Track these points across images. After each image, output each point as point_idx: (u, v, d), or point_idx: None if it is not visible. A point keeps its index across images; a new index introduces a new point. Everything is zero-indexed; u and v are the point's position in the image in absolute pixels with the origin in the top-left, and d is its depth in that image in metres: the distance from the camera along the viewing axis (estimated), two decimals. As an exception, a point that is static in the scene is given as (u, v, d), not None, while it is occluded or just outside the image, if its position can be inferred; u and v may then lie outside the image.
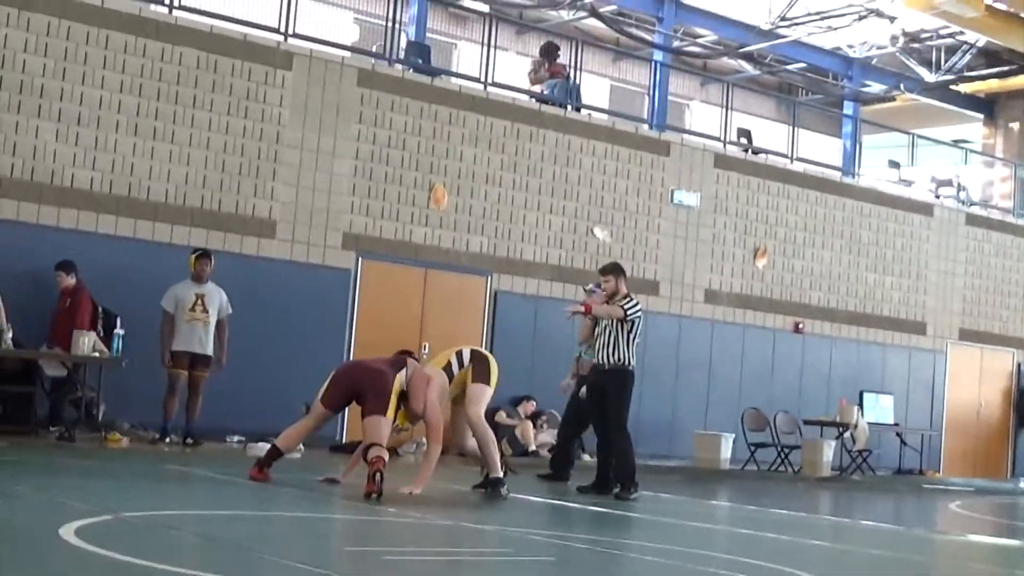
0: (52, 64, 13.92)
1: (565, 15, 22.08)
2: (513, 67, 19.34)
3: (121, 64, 14.31)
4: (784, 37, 22.78)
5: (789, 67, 24.82)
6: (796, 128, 21.31)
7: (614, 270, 11.76)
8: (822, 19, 22.22)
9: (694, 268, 18.93)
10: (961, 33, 22.78)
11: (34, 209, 13.72)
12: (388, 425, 9.44)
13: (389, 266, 16.06)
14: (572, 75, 18.49)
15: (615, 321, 11.35)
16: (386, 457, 9.15)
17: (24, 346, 12.88)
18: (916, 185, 23.00)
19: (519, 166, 17.22)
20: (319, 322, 15.29)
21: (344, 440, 14.76)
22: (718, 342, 19.08)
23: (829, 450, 18.00)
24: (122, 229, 14.21)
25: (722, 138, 19.97)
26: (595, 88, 21.09)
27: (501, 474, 10.25)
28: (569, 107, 18.21)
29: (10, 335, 12.56)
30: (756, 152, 20.64)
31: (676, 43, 23.22)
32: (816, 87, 25.96)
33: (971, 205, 23.56)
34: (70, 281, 13.17)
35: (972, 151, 26.14)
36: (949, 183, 23.40)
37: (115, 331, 12.86)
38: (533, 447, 16.20)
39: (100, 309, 13.34)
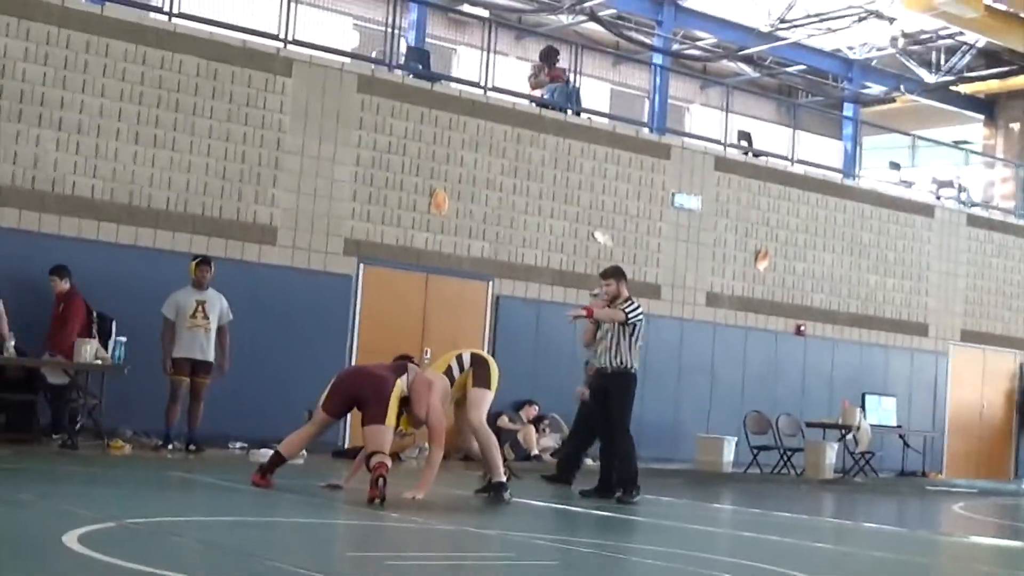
0: (52, 73, 13.94)
1: (564, 19, 22.10)
2: (513, 72, 19.35)
3: (121, 72, 14.33)
4: (784, 39, 22.80)
5: (789, 69, 24.84)
6: (796, 130, 21.31)
7: (615, 273, 11.76)
8: (821, 21, 22.24)
9: (695, 271, 18.93)
10: (961, 34, 22.80)
11: (35, 217, 13.73)
12: (389, 432, 9.43)
13: (390, 271, 16.06)
14: (572, 79, 18.50)
15: (617, 325, 11.35)
16: (389, 463, 9.15)
17: (26, 354, 12.89)
18: (917, 186, 23.02)
19: (520, 170, 17.23)
20: (321, 328, 15.30)
21: (346, 446, 14.76)
22: (720, 345, 19.08)
23: (832, 452, 18.00)
24: (123, 237, 14.22)
25: (722, 141, 19.98)
26: (595, 92, 21.10)
27: (504, 478, 10.25)
28: (569, 111, 18.22)
29: (12, 343, 12.58)
30: (756, 154, 20.65)
31: (676, 46, 23.24)
32: (816, 89, 25.97)
33: (972, 206, 23.57)
34: (64, 286, 13.17)
35: (973, 152, 26.17)
36: (950, 184, 23.43)
37: (117, 338, 12.89)
38: (535, 451, 16.20)
39: (95, 314, 13.32)
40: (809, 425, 18.46)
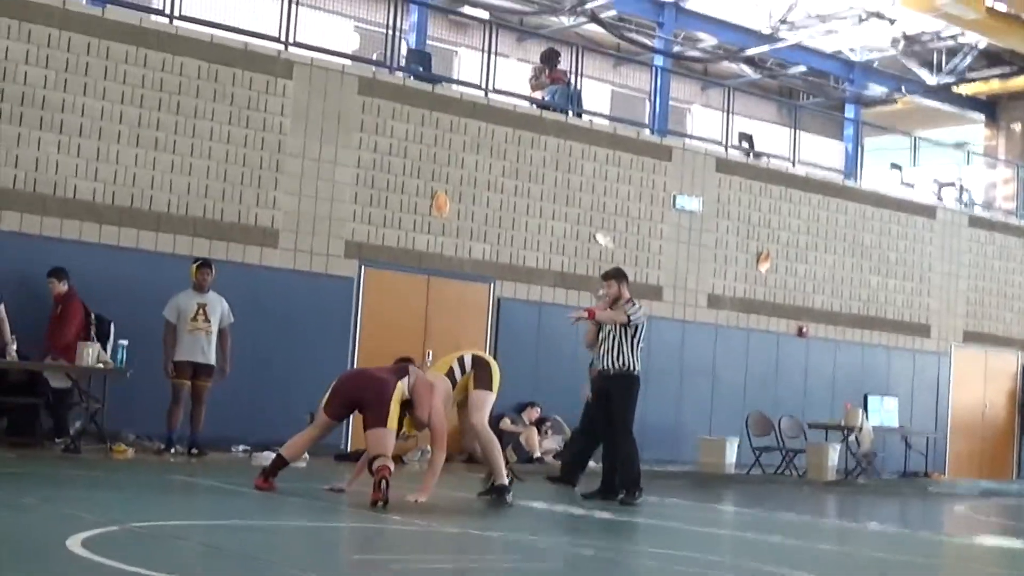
0: (53, 76, 13.93)
1: (565, 21, 22.09)
2: (514, 74, 19.33)
3: (122, 75, 14.32)
4: (784, 41, 22.77)
5: (790, 71, 24.82)
6: (797, 131, 21.30)
7: (616, 275, 11.76)
8: (822, 22, 22.23)
9: (697, 273, 18.93)
10: (962, 35, 22.79)
11: (37, 221, 13.73)
12: (391, 436, 9.42)
13: (392, 274, 16.06)
14: (573, 81, 18.49)
15: (619, 326, 11.35)
16: (391, 466, 9.14)
17: (29, 358, 12.89)
18: (918, 187, 23.00)
19: (521, 172, 17.22)
20: (322, 331, 15.29)
21: (349, 448, 14.75)
22: (722, 347, 19.07)
23: (834, 453, 17.99)
24: (125, 240, 14.22)
25: (724, 142, 19.98)
26: (596, 94, 21.08)
27: (506, 481, 10.24)
28: (570, 113, 18.21)
29: (14, 347, 12.57)
30: (758, 156, 20.65)
31: (676, 48, 23.23)
32: (817, 90, 25.96)
33: (974, 207, 23.56)
34: (62, 288, 13.18)
35: (974, 153, 26.14)
36: (951, 185, 23.41)
37: (119, 341, 12.90)
38: (538, 453, 16.19)
39: (93, 316, 13.31)
40: (811, 426, 18.46)
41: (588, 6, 21.24)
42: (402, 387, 9.57)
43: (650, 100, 20.98)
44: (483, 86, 17.32)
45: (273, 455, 10.27)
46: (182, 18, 14.96)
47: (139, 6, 15.29)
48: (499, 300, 16.94)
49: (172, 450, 13.17)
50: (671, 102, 21.51)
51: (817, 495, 15.72)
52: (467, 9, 21.16)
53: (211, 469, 12.11)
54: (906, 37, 23.35)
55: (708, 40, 23.66)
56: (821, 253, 20.40)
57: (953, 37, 23.21)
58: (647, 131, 19.66)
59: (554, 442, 16.57)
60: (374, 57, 17.50)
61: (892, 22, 22.25)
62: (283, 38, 15.57)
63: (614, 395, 11.40)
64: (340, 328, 15.55)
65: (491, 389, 10.20)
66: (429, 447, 10.40)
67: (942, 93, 25.51)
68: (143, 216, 14.34)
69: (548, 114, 17.83)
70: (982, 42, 23.16)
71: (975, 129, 27.72)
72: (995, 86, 25.75)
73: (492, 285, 16.89)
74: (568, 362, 16.01)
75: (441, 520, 8.85)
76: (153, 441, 13.50)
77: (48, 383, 13.10)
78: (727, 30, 22.68)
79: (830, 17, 22.06)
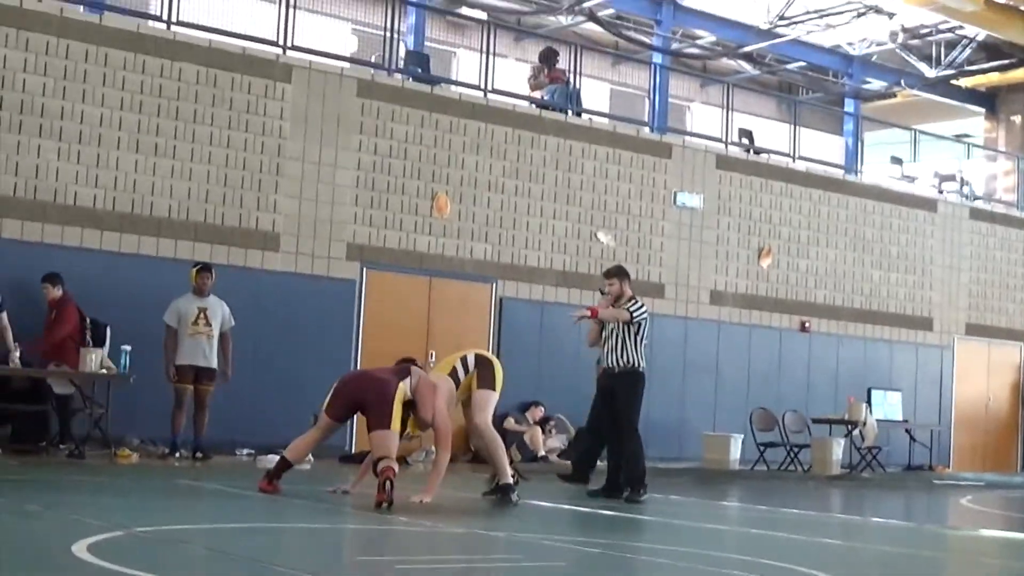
0: (52, 83, 13.95)
1: (563, 20, 22.09)
2: (512, 73, 19.34)
3: (121, 81, 14.33)
4: (783, 36, 22.79)
5: (789, 66, 24.81)
6: (797, 127, 21.28)
7: (618, 273, 11.76)
8: (821, 17, 22.23)
9: (699, 270, 18.92)
10: (961, 27, 22.78)
11: (38, 228, 13.74)
12: (395, 437, 9.41)
13: (394, 276, 16.06)
14: (572, 80, 18.49)
15: (622, 324, 11.35)
16: (396, 467, 9.13)
17: (32, 365, 12.90)
18: (919, 181, 23.00)
19: (521, 172, 17.22)
20: (325, 333, 15.30)
21: (353, 450, 14.76)
22: (724, 343, 19.06)
23: (838, 448, 17.98)
24: (126, 246, 14.23)
25: (723, 139, 19.97)
26: (595, 92, 21.09)
27: (511, 480, 10.24)
28: (569, 112, 18.21)
29: (17, 354, 12.59)
30: (758, 152, 20.63)
31: (675, 45, 23.23)
32: (816, 85, 25.95)
33: (975, 199, 23.55)
34: (56, 293, 13.18)
35: (974, 145, 26.14)
36: (952, 178, 23.39)
37: (122, 347, 12.89)
38: (542, 452, 16.20)
39: (88, 320, 13.31)
40: (815, 421, 18.45)
41: (586, 5, 21.25)
42: (404, 388, 9.56)
43: (649, 98, 20.98)
44: (482, 86, 17.32)
45: (277, 458, 10.28)
46: (180, 24, 14.97)
47: (137, 12, 15.30)
48: (501, 300, 16.94)
49: (176, 454, 13.18)
50: (670, 99, 21.52)
51: (822, 490, 15.72)
52: (465, 10, 21.17)
53: (215, 473, 12.12)
54: (905, 30, 23.33)
55: (706, 37, 23.66)
56: (823, 248, 20.40)
57: (952, 30, 23.21)
58: (647, 129, 19.67)
59: (558, 441, 16.58)
60: (372, 59, 17.52)
61: (891, 16, 22.26)
62: (281, 42, 15.58)
63: (619, 392, 11.40)
64: (342, 330, 15.56)
65: (495, 388, 10.19)
66: (433, 447, 10.40)
67: (941, 86, 25.50)
68: (144, 222, 14.35)
69: (547, 113, 17.83)
70: (981, 34, 23.16)
71: (975, 122, 27.70)
72: (994, 78, 25.72)
73: (494, 285, 16.90)
74: (571, 361, 16.01)
75: (446, 520, 8.85)
76: (157, 445, 13.51)
77: (51, 390, 13.10)
78: (725, 27, 22.69)
79: (828, 12, 22.06)
